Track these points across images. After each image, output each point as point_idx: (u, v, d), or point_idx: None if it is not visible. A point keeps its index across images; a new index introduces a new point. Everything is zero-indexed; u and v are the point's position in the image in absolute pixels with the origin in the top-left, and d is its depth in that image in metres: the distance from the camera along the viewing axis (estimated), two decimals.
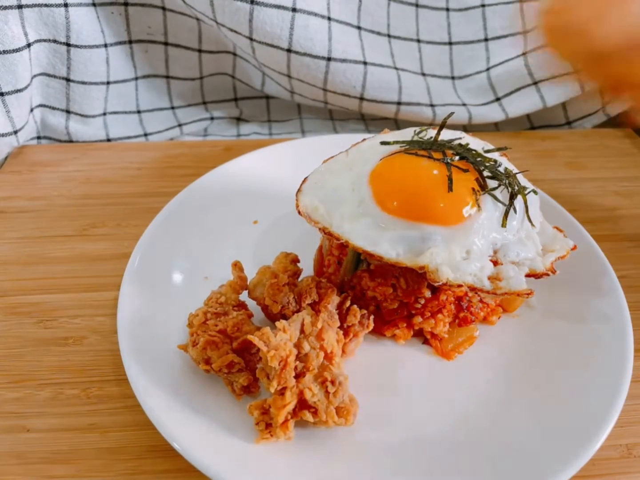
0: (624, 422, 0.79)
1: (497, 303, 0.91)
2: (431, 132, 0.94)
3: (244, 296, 0.87)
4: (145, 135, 1.48)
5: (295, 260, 0.91)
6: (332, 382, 0.73)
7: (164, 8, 1.35)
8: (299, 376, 0.74)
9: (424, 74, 1.48)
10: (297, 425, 0.74)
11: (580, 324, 0.89)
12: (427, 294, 0.84)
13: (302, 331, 0.77)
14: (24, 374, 0.86)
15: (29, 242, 1.10)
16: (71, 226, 1.13)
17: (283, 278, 0.86)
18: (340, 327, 0.82)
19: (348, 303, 0.85)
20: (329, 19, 1.32)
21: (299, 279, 0.88)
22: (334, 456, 0.72)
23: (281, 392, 0.72)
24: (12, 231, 1.12)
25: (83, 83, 1.33)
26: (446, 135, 0.92)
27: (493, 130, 1.52)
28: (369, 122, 1.59)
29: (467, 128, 1.47)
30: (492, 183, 0.83)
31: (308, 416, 0.71)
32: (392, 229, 0.80)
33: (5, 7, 1.14)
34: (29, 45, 1.20)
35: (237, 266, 0.90)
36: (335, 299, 0.84)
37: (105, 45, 1.32)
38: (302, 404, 0.72)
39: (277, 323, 0.75)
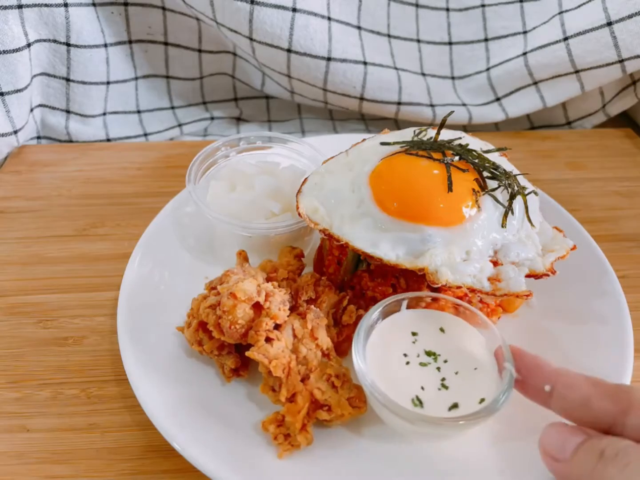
0: None
1: (497, 303, 0.90)
2: (431, 132, 0.94)
3: None
4: (145, 135, 1.48)
5: (299, 255, 0.91)
6: (337, 376, 0.74)
7: (164, 8, 1.35)
8: (303, 379, 0.74)
9: (424, 74, 1.48)
10: None
11: (580, 324, 0.89)
12: None
13: (294, 336, 0.78)
14: (24, 374, 0.86)
15: (29, 242, 1.10)
16: (71, 226, 1.13)
17: (282, 273, 0.86)
18: (336, 327, 0.83)
19: (345, 302, 0.85)
20: (329, 19, 1.32)
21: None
22: (332, 456, 0.72)
23: (292, 399, 0.72)
24: (12, 231, 1.12)
25: (83, 83, 1.33)
26: (446, 135, 0.92)
27: (493, 130, 1.52)
28: (369, 122, 1.59)
29: (467, 128, 1.47)
30: (492, 184, 0.83)
31: (324, 415, 0.72)
32: (392, 230, 0.80)
33: (5, 7, 1.14)
34: (29, 45, 1.20)
35: (241, 255, 0.91)
36: (332, 298, 0.84)
37: (105, 45, 1.32)
38: (314, 404, 0.72)
39: (269, 334, 0.75)
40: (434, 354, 0.73)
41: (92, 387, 0.84)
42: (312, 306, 0.82)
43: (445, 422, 0.66)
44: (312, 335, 0.78)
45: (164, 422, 0.72)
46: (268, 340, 0.75)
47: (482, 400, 0.68)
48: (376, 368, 0.72)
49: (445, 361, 0.72)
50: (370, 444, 0.74)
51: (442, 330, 0.76)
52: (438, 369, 0.72)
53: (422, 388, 0.69)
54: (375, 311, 0.76)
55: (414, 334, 0.76)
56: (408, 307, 0.79)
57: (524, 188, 0.85)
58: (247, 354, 0.74)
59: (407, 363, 0.72)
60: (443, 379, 0.70)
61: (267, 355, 0.72)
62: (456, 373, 0.71)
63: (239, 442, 0.73)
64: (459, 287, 0.77)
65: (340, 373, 0.75)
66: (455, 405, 0.68)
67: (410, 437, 0.74)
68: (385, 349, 0.74)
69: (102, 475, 0.74)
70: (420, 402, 0.68)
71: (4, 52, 1.15)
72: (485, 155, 0.88)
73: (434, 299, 0.79)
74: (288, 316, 0.79)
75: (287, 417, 0.71)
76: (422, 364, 0.72)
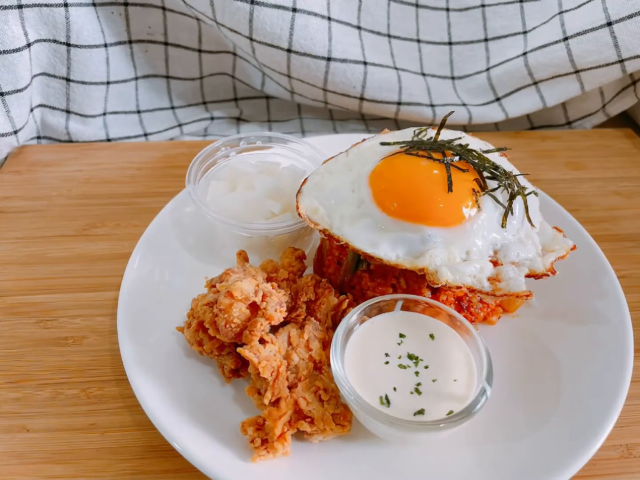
0: (624, 422, 0.79)
1: (497, 303, 0.91)
2: (431, 132, 0.94)
3: None
4: (145, 135, 1.48)
5: (301, 257, 0.91)
6: (325, 390, 0.73)
7: (164, 8, 1.35)
8: (291, 387, 0.74)
9: (424, 74, 1.49)
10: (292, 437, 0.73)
11: (580, 324, 0.89)
12: (427, 294, 0.84)
13: (289, 343, 0.78)
14: (24, 374, 0.86)
15: (29, 242, 1.10)
16: (71, 226, 1.13)
17: (283, 273, 0.86)
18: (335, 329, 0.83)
19: (345, 306, 0.85)
20: (329, 19, 1.32)
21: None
22: (330, 459, 0.72)
23: (275, 403, 0.71)
24: (12, 231, 1.12)
25: (83, 83, 1.33)
26: (446, 135, 0.92)
27: (493, 130, 1.52)
28: (369, 122, 1.59)
29: (467, 128, 1.47)
30: (492, 184, 0.83)
31: (305, 426, 0.70)
32: (392, 230, 0.80)
33: (5, 7, 1.14)
34: (29, 45, 1.20)
35: (241, 255, 0.91)
36: (331, 300, 0.84)
37: (105, 45, 1.32)
38: (298, 414, 0.72)
39: (264, 336, 0.75)
40: (417, 358, 0.73)
41: (92, 387, 0.84)
42: (313, 318, 0.82)
43: (406, 424, 0.66)
44: (307, 346, 0.78)
45: (164, 422, 0.72)
46: (262, 342, 0.75)
47: (451, 412, 0.68)
48: (353, 363, 0.72)
49: (426, 367, 0.73)
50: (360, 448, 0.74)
51: (431, 337, 0.77)
52: (416, 373, 0.72)
53: (395, 389, 0.70)
54: (359, 309, 0.77)
55: (401, 335, 0.76)
56: (403, 308, 0.79)
57: (524, 188, 0.85)
58: (238, 350, 0.74)
59: (386, 363, 0.73)
60: (418, 384, 0.71)
61: (258, 355, 0.72)
62: (434, 381, 0.71)
63: (239, 442, 0.72)
64: (458, 287, 0.77)
65: (330, 388, 0.74)
66: (421, 412, 0.68)
67: (381, 436, 0.74)
68: (367, 346, 0.75)
69: (102, 475, 0.74)
70: (388, 402, 0.69)
71: (4, 52, 1.15)
72: (485, 155, 0.88)
73: (430, 305, 0.79)
74: (287, 322, 0.79)
75: (268, 421, 0.70)
76: (401, 366, 0.72)
